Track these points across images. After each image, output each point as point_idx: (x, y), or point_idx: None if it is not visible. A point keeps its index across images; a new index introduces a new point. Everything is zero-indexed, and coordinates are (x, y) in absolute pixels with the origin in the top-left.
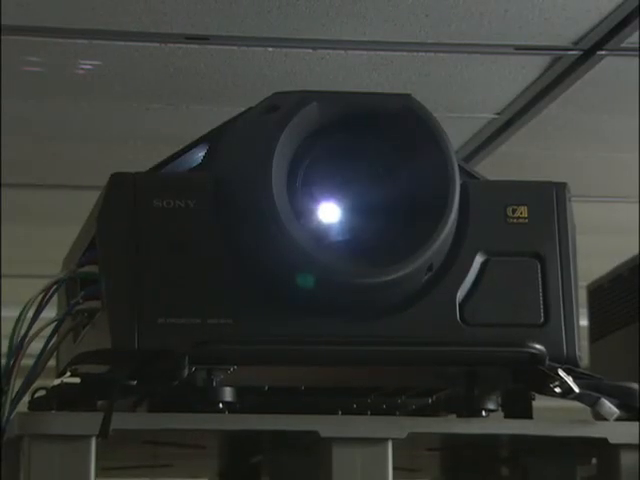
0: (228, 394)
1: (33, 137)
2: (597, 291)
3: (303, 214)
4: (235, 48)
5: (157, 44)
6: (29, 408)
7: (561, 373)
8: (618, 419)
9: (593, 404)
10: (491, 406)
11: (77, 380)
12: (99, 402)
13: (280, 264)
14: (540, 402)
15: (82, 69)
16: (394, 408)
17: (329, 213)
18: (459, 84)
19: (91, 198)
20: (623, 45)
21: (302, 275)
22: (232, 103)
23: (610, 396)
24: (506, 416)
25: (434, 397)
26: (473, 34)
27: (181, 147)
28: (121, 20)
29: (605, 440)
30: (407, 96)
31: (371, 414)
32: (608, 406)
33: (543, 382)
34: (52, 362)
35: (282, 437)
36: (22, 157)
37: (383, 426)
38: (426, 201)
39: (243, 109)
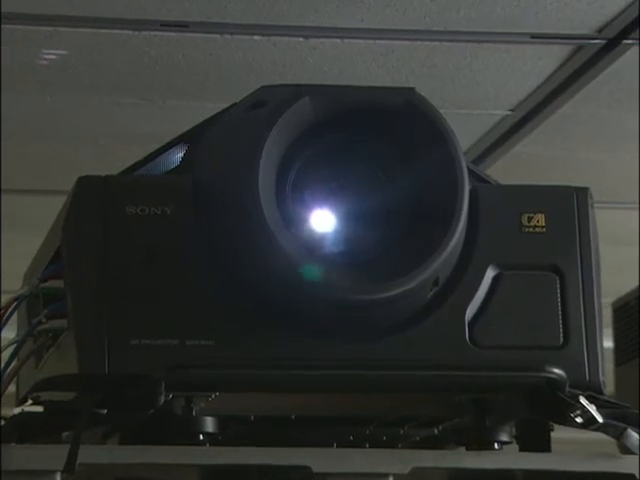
0: (209, 424)
1: None
2: (623, 309)
3: (294, 222)
4: (217, 36)
5: (130, 32)
6: None
7: (583, 401)
8: None
9: (619, 436)
10: (504, 438)
11: (40, 409)
12: (64, 433)
13: (268, 278)
14: (559, 433)
15: (46, 59)
16: (395, 440)
17: (323, 221)
18: (468, 77)
19: (57, 204)
20: None
21: (292, 290)
22: (214, 98)
23: (638, 427)
24: (521, 449)
25: (440, 427)
26: (484, 21)
27: (157, 147)
28: (89, 5)
29: (633, 476)
30: (410, 90)
31: (370, 447)
32: (635, 438)
33: (563, 411)
34: (12, 388)
35: (270, 473)
36: None
37: (383, 460)
38: (431, 208)
39: (226, 105)
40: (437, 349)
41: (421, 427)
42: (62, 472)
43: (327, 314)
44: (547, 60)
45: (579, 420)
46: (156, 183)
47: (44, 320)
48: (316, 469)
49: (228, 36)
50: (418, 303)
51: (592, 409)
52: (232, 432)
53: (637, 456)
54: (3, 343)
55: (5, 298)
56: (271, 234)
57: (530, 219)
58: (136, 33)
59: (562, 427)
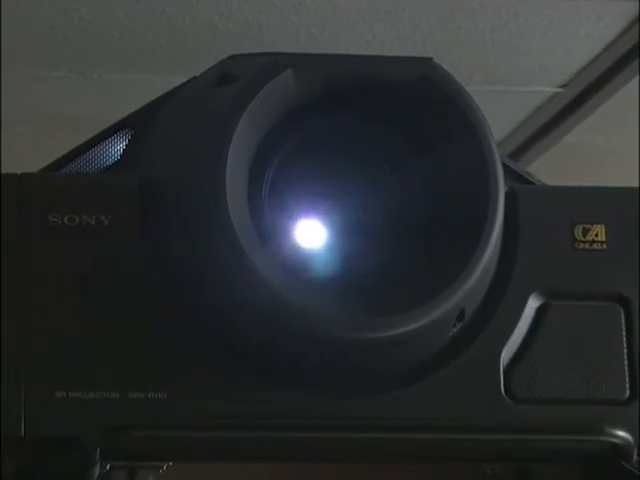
0: None
1: None
2: None
3: (272, 236)
4: None
5: None
6: None
7: None
8: None
9: None
10: None
11: None
12: None
13: (238, 310)
14: None
15: None
16: None
17: (310, 235)
18: (505, 43)
19: None
20: None
21: (270, 326)
22: (167, 70)
23: None
24: None
25: None
26: None
27: (91, 135)
28: None
29: None
30: (426, 61)
31: None
32: None
33: None
34: None
35: None
36: None
37: None
38: (454, 216)
39: (183, 79)
40: (463, 404)
41: None
42: None
43: (316, 358)
44: (609, 21)
45: None
46: (89, 184)
47: None
48: None
49: None
50: (437, 344)
51: None
52: None
53: None
54: None
55: None
56: (242, 252)
57: (586, 232)
58: None
59: None
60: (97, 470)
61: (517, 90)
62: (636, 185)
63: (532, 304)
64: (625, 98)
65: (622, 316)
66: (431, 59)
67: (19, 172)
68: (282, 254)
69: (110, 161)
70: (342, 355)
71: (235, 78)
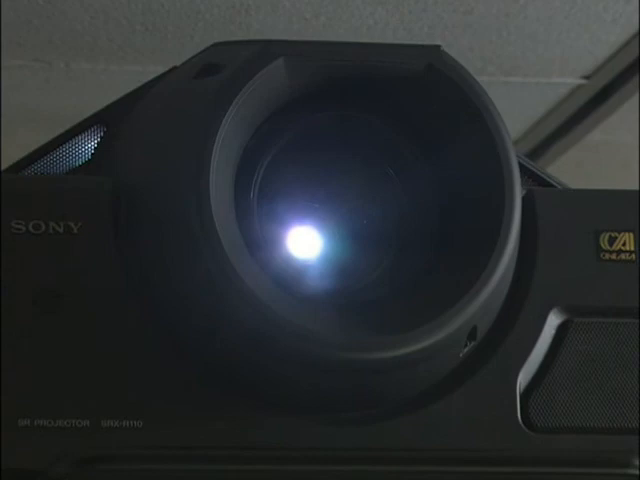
0: None
1: None
2: None
3: (262, 246)
4: None
5: None
6: None
7: None
8: None
9: None
10: None
11: None
12: None
13: (224, 328)
14: None
15: None
16: None
17: (304, 244)
18: (522, 29)
19: None
20: None
21: (260, 346)
22: (144, 59)
23: None
24: None
25: None
26: None
27: (59, 132)
28: None
29: None
30: (434, 49)
31: None
32: None
33: None
34: None
35: None
36: None
37: None
38: (465, 224)
39: (162, 69)
40: (475, 433)
41: None
42: None
43: (311, 382)
44: (638, 5)
45: None
46: (56, 186)
47: None
48: None
49: None
50: (446, 366)
51: None
52: None
53: None
54: None
55: None
56: (228, 264)
57: (612, 241)
58: None
59: None
60: None
61: (535, 82)
62: None
63: (552, 321)
64: None
65: None
66: (439, 47)
67: None
68: (273, 266)
69: (80, 161)
70: (340, 378)
71: (220, 68)
